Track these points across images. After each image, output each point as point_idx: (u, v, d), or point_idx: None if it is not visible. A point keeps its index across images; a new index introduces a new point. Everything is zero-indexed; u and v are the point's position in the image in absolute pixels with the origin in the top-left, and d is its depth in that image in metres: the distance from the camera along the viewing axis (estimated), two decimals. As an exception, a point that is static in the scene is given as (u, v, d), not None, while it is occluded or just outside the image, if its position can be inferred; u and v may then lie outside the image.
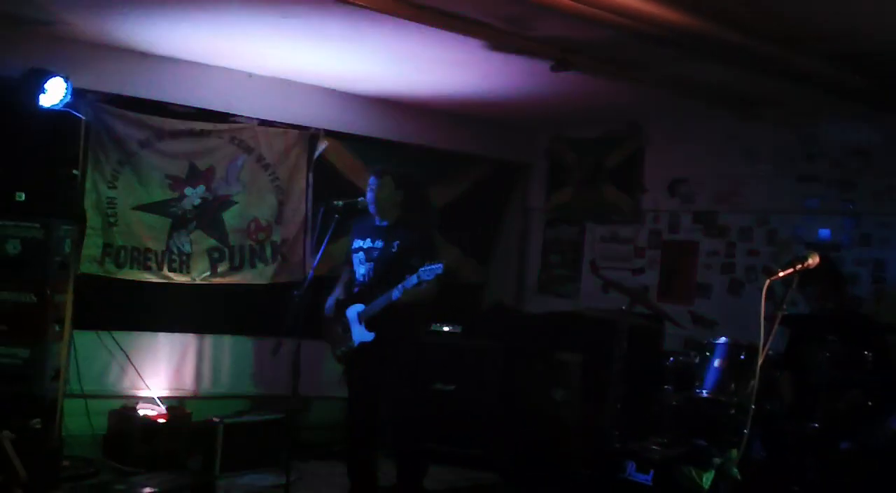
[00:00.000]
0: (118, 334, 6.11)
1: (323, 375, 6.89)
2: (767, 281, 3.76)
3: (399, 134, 7.31)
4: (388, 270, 5.04)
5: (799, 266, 3.80)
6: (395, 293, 4.91)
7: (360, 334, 5.12)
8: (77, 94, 5.42)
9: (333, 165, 6.98)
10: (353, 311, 5.20)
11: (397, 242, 5.11)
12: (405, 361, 5.15)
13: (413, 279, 4.81)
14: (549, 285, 8.11)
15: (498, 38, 4.94)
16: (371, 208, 5.23)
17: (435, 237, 5.40)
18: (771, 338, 3.68)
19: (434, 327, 6.72)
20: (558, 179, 8.03)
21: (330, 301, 5.35)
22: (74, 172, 5.27)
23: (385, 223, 5.23)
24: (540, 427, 6.71)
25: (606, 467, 5.38)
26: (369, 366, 5.16)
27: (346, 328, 5.21)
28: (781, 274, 3.83)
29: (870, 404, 4.85)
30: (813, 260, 3.81)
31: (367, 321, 5.09)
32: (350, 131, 7.03)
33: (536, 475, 6.35)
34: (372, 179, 5.25)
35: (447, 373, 6.62)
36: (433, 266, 4.77)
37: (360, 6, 4.35)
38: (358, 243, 5.31)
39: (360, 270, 5.25)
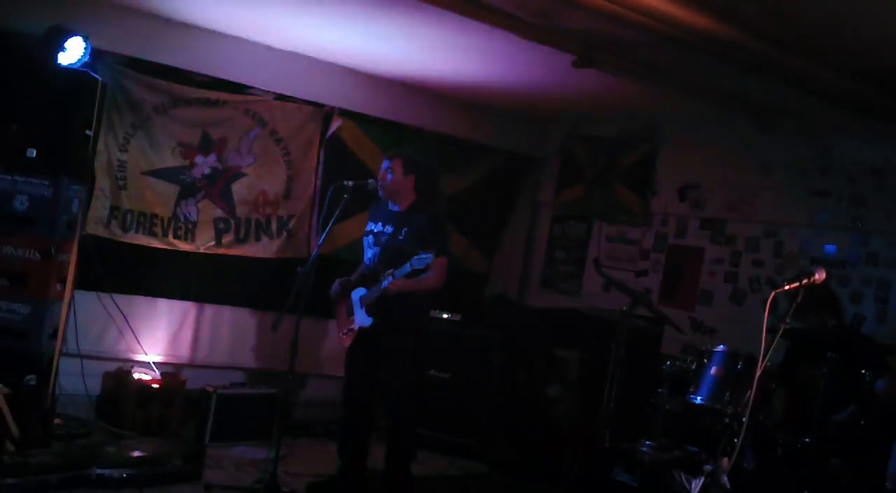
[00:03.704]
0: (119, 297, 6.11)
1: (321, 353, 6.92)
2: (773, 293, 3.75)
3: (414, 118, 7.29)
4: (393, 256, 4.99)
5: (805, 280, 3.78)
6: (385, 283, 4.86)
7: (362, 318, 5.10)
8: (96, 54, 5.40)
9: (346, 145, 6.96)
10: (357, 294, 5.18)
11: (406, 228, 5.05)
12: (404, 349, 5.12)
13: (405, 268, 4.76)
14: (552, 281, 8.10)
15: (522, 28, 4.91)
16: (380, 192, 5.19)
17: (446, 226, 5.34)
18: (771, 350, 3.67)
19: (433, 313, 6.70)
20: (570, 175, 8.01)
21: (336, 283, 5.33)
22: (87, 132, 5.25)
23: (398, 209, 5.20)
24: (533, 421, 6.73)
25: (596, 465, 5.39)
26: (368, 350, 5.14)
27: (351, 311, 5.20)
28: (787, 287, 3.82)
29: (862, 423, 4.86)
30: (819, 276, 3.79)
31: (367, 307, 5.08)
32: (365, 112, 7.02)
33: (526, 468, 6.35)
34: (385, 163, 5.22)
35: (443, 360, 6.62)
36: (424, 255, 4.69)
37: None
38: (370, 226, 5.26)
39: (368, 253, 5.22)
